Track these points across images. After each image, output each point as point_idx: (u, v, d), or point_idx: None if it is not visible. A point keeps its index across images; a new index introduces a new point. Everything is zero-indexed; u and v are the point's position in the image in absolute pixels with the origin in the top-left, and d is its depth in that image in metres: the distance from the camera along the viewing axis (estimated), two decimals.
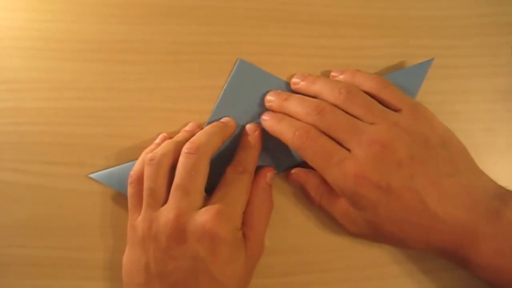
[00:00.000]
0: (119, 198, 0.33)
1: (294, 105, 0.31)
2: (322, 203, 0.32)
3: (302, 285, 0.32)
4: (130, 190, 0.30)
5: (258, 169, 0.32)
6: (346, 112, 0.30)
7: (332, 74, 0.34)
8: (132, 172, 0.31)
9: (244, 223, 0.30)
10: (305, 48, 0.36)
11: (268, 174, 0.32)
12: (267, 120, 0.32)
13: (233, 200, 0.29)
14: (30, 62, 0.35)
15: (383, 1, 0.37)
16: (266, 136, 0.33)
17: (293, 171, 0.33)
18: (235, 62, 0.35)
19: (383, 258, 0.33)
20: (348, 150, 0.28)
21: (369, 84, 0.31)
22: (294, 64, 0.35)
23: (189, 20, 0.36)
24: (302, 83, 0.33)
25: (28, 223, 0.33)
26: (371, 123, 0.29)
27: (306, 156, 0.29)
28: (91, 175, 0.33)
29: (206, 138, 0.30)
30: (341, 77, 0.33)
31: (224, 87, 0.35)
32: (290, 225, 0.33)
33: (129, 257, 0.29)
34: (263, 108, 0.34)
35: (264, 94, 0.34)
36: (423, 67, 0.34)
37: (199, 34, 0.36)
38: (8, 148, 0.34)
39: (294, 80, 0.34)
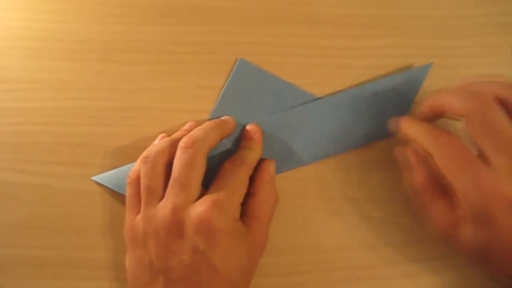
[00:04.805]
0: (119, 197, 0.33)
1: (448, 96, 0.28)
2: (424, 196, 0.29)
3: (302, 285, 0.32)
4: (128, 190, 0.30)
5: (258, 162, 0.32)
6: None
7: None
8: (131, 173, 0.30)
9: (250, 214, 0.29)
10: (305, 48, 0.36)
11: (270, 166, 0.32)
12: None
13: (229, 191, 0.29)
14: (29, 62, 0.35)
15: (383, 1, 0.37)
16: (267, 137, 0.33)
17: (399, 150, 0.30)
18: (235, 62, 0.35)
19: (383, 258, 0.33)
20: (487, 158, 0.25)
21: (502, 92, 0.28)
22: (294, 64, 0.35)
23: (189, 20, 0.36)
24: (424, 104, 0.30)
25: (28, 223, 0.33)
26: None
27: (439, 155, 0.27)
28: (93, 178, 0.33)
29: (203, 133, 0.30)
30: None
31: (224, 87, 0.35)
32: (290, 225, 0.33)
33: (131, 258, 0.29)
34: (263, 108, 0.34)
35: (264, 94, 0.34)
36: (422, 72, 0.34)
37: (199, 34, 0.36)
38: (8, 148, 0.34)
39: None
